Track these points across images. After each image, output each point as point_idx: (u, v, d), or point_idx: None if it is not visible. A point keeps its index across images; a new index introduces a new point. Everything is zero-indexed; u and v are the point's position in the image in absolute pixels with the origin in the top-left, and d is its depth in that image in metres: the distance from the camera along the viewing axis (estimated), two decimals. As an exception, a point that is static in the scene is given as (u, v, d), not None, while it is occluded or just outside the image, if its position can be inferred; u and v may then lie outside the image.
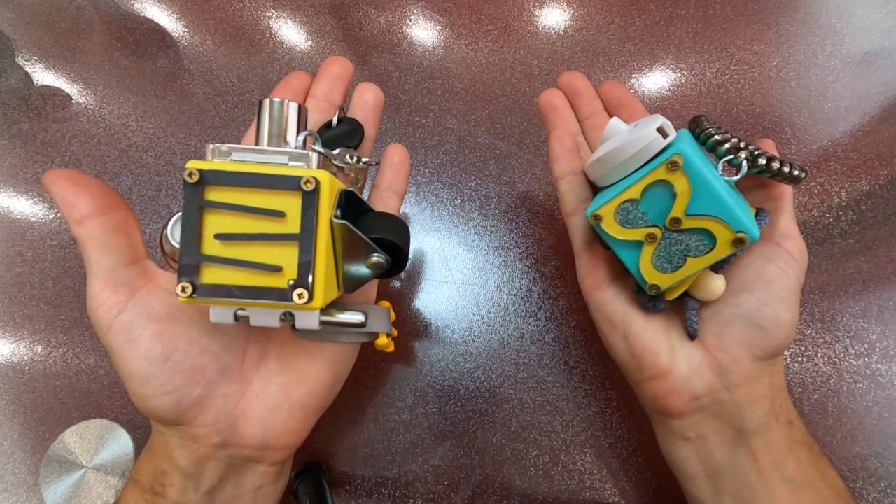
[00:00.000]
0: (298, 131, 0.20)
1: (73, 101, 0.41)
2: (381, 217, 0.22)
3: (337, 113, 0.25)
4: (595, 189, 0.26)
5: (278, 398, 0.21)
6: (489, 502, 0.29)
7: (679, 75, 0.40)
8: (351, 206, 0.21)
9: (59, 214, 0.37)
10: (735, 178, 0.21)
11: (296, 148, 0.20)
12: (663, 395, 0.24)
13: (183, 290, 0.17)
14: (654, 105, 0.39)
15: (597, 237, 0.25)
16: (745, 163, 0.21)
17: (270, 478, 0.22)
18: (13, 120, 0.40)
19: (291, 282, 0.17)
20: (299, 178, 0.17)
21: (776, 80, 0.40)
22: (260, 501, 0.21)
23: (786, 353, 0.31)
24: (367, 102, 0.26)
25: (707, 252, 0.21)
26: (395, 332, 0.25)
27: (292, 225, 0.18)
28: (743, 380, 0.22)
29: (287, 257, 0.18)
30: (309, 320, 0.19)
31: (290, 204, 0.17)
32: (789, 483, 0.22)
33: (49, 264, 0.36)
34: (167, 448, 0.20)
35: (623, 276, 0.25)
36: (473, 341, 0.33)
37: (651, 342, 0.24)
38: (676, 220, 0.21)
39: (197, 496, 0.20)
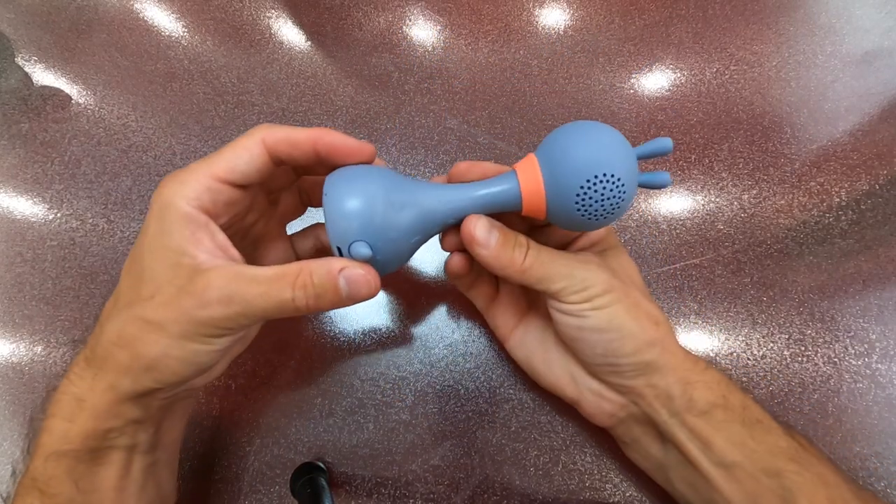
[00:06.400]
0: None
1: (72, 102, 0.41)
2: None
3: None
4: None
5: (229, 354, 0.24)
6: (489, 502, 0.29)
7: (679, 75, 0.40)
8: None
9: (59, 214, 0.37)
10: None
11: None
12: (588, 417, 0.27)
13: None
14: (655, 105, 0.39)
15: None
16: None
17: (188, 408, 0.26)
18: (13, 120, 0.40)
19: None
20: None
21: (776, 80, 0.40)
22: (183, 425, 0.26)
23: (786, 353, 0.31)
24: None
25: None
26: None
27: None
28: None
29: None
30: None
31: None
32: (720, 466, 0.22)
33: (49, 265, 0.36)
34: (115, 409, 0.21)
35: (519, 322, 0.29)
36: (474, 341, 0.33)
37: (555, 379, 0.27)
38: None
39: (147, 435, 0.22)
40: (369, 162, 0.23)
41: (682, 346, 0.25)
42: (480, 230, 0.22)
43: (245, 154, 0.21)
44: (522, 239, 0.23)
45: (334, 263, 0.20)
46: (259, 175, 0.22)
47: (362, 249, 0.21)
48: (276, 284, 0.19)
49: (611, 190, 0.20)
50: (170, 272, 0.20)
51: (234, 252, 0.21)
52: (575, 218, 0.21)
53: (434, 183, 0.24)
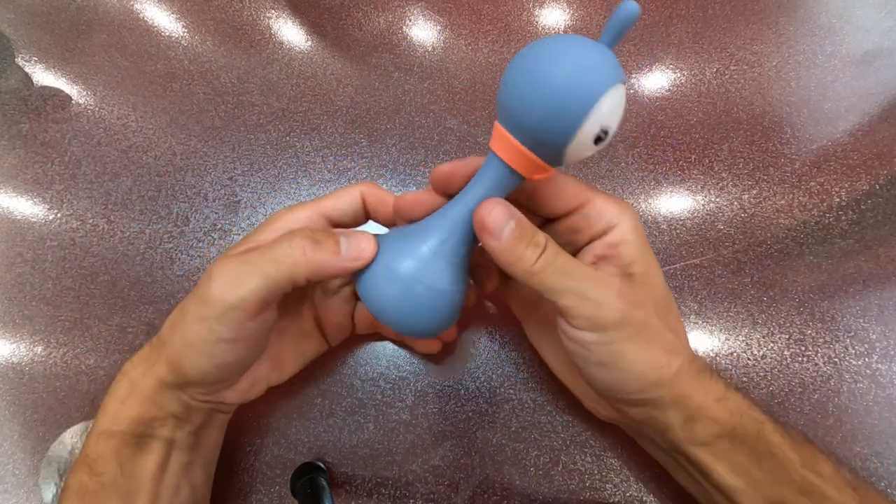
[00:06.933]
0: None
1: (72, 102, 0.41)
2: None
3: None
4: None
5: (262, 378, 0.26)
6: (489, 502, 0.29)
7: (679, 75, 0.40)
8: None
9: (59, 215, 0.37)
10: None
11: None
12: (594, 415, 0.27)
13: None
14: (655, 105, 0.39)
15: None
16: None
17: (225, 423, 0.28)
18: (13, 121, 0.40)
19: None
20: None
21: (776, 80, 0.40)
22: (220, 438, 0.27)
23: (786, 353, 0.31)
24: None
25: None
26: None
27: None
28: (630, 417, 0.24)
29: None
30: None
31: None
32: (717, 489, 0.22)
33: (49, 265, 0.36)
34: (157, 397, 0.23)
35: (531, 312, 0.28)
36: (474, 341, 0.33)
37: (559, 372, 0.28)
38: None
39: (183, 433, 0.24)
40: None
41: (702, 366, 0.22)
42: (495, 217, 0.20)
43: (347, 198, 0.24)
44: (541, 238, 0.20)
45: (334, 230, 0.23)
46: (353, 218, 0.25)
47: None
48: (274, 243, 0.21)
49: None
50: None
51: None
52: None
53: (435, 213, 0.23)
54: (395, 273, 0.21)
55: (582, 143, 0.18)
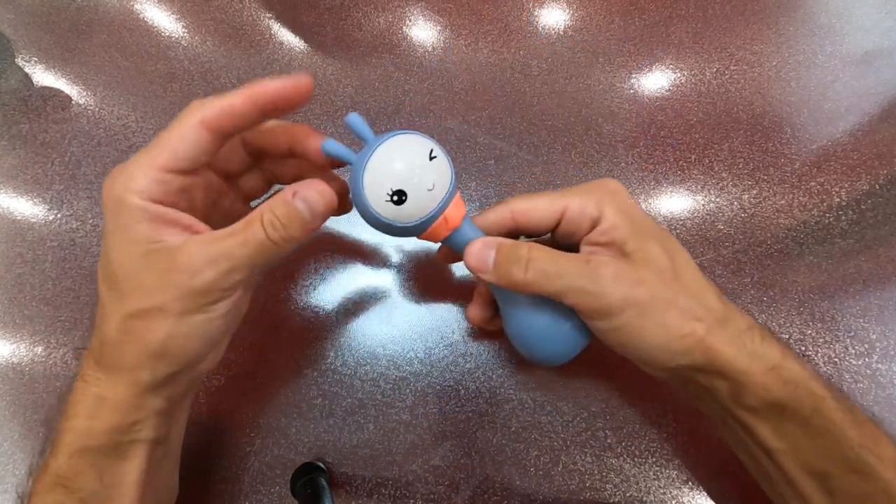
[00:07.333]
0: None
1: (72, 102, 0.41)
2: None
3: None
4: None
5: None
6: (489, 502, 0.29)
7: (679, 75, 0.40)
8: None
9: (59, 215, 0.37)
10: None
11: None
12: None
13: None
14: (655, 105, 0.39)
15: None
16: None
17: (192, 400, 0.26)
18: (13, 121, 0.40)
19: None
20: None
21: (776, 80, 0.40)
22: (186, 417, 0.26)
23: (786, 353, 0.31)
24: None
25: None
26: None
27: None
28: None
29: None
30: None
31: None
32: (760, 447, 0.22)
33: (49, 265, 0.36)
34: (137, 401, 0.21)
35: None
36: (474, 341, 0.33)
37: None
38: None
39: (167, 426, 0.23)
40: (308, 94, 0.22)
41: (747, 326, 0.22)
42: (476, 257, 0.23)
43: (186, 139, 0.20)
44: (522, 250, 0.22)
45: (287, 191, 0.21)
46: (207, 156, 0.21)
47: None
48: (249, 230, 0.20)
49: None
50: (144, 262, 0.20)
51: (202, 226, 0.21)
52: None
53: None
54: (544, 332, 0.24)
55: (383, 207, 0.21)
